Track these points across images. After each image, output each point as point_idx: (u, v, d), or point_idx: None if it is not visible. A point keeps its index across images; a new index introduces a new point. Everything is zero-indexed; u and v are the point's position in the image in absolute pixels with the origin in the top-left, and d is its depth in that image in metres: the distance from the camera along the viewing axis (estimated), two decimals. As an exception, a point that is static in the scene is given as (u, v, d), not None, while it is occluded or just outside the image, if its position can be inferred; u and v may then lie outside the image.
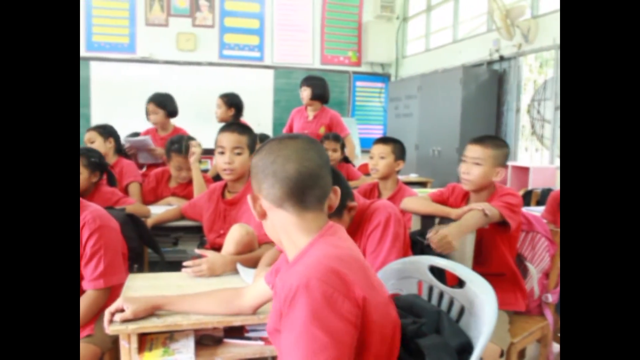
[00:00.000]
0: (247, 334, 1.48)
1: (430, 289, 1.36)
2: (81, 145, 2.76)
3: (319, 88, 4.11)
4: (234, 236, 1.79)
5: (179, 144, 2.89)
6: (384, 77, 7.27)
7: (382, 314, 0.99)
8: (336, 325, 0.89)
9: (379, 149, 2.66)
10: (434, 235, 1.75)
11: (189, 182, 2.87)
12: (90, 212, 1.78)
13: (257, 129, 2.47)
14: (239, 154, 2.14)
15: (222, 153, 2.16)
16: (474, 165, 2.01)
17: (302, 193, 1.05)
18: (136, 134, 3.93)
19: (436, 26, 6.64)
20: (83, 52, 6.23)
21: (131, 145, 3.50)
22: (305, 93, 4.07)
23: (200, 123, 4.76)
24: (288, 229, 1.08)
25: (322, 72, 6.82)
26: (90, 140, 3.07)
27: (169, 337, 1.42)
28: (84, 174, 2.46)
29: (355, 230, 1.61)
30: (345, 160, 3.93)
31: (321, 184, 1.08)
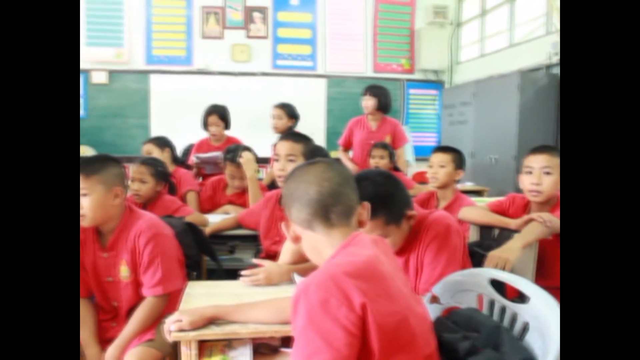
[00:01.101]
0: (303, 344, 1.48)
1: (492, 303, 1.32)
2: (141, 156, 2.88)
3: (385, 98, 4.11)
4: (291, 246, 1.80)
5: (234, 153, 2.96)
6: (438, 84, 7.17)
7: (394, 323, 0.99)
8: (331, 329, 0.93)
9: (438, 158, 2.64)
10: (489, 264, 1.71)
11: (245, 190, 2.93)
12: (145, 220, 1.84)
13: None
14: (291, 160, 2.19)
15: (277, 160, 2.22)
16: (544, 175, 1.94)
17: (325, 212, 1.12)
18: (189, 147, 4.05)
19: (491, 30, 6.49)
20: (143, 66, 6.48)
21: (202, 161, 3.61)
22: (371, 102, 4.05)
23: (254, 132, 4.83)
24: (319, 247, 1.15)
25: (375, 80, 6.79)
26: (148, 152, 3.20)
27: (227, 344, 1.44)
28: (150, 183, 2.56)
29: (413, 240, 1.58)
30: (395, 168, 3.89)
31: (344, 200, 1.14)
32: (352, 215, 1.17)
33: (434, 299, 1.45)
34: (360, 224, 1.20)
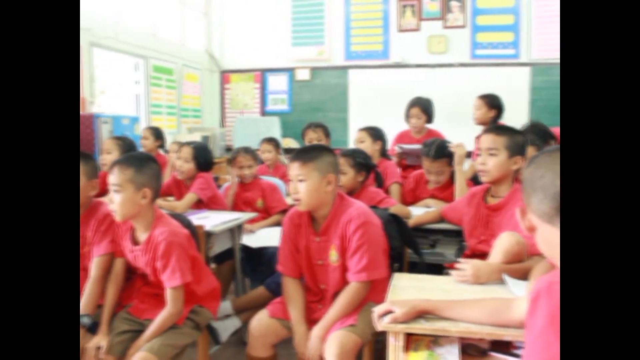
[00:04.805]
0: (514, 350, 1.39)
1: None
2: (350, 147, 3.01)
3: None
4: (504, 245, 1.71)
5: (429, 147, 2.95)
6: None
7: None
8: None
9: None
10: None
11: (448, 184, 2.89)
12: (356, 208, 1.94)
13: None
14: (493, 155, 2.09)
15: (479, 155, 2.15)
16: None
17: None
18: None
19: None
20: (342, 62, 6.80)
21: (404, 152, 3.67)
22: None
23: (452, 125, 4.72)
24: (556, 244, 1.01)
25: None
26: (360, 140, 3.33)
27: (433, 340, 1.42)
28: (349, 174, 2.65)
29: None
30: None
31: None
32: None
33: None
34: None
